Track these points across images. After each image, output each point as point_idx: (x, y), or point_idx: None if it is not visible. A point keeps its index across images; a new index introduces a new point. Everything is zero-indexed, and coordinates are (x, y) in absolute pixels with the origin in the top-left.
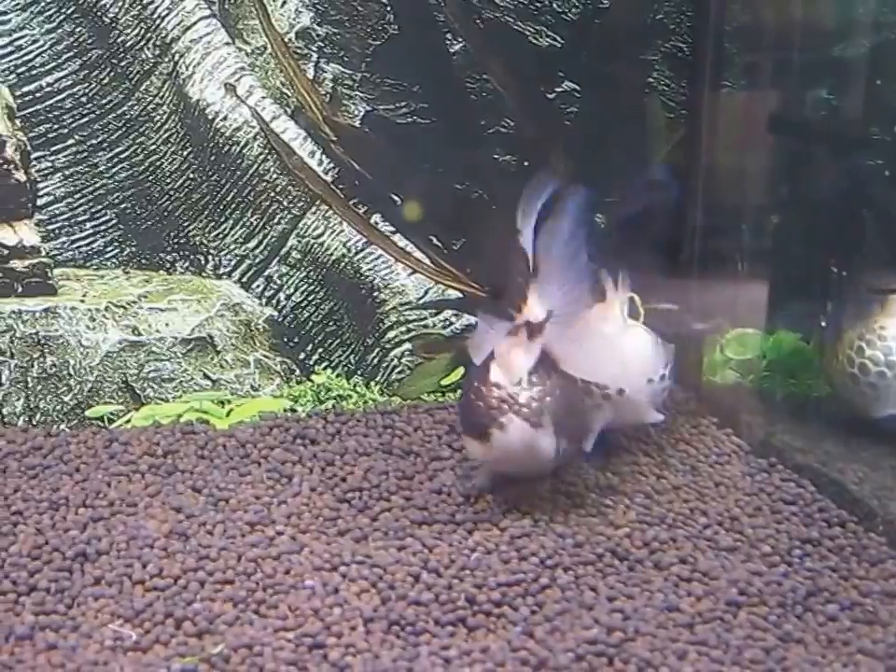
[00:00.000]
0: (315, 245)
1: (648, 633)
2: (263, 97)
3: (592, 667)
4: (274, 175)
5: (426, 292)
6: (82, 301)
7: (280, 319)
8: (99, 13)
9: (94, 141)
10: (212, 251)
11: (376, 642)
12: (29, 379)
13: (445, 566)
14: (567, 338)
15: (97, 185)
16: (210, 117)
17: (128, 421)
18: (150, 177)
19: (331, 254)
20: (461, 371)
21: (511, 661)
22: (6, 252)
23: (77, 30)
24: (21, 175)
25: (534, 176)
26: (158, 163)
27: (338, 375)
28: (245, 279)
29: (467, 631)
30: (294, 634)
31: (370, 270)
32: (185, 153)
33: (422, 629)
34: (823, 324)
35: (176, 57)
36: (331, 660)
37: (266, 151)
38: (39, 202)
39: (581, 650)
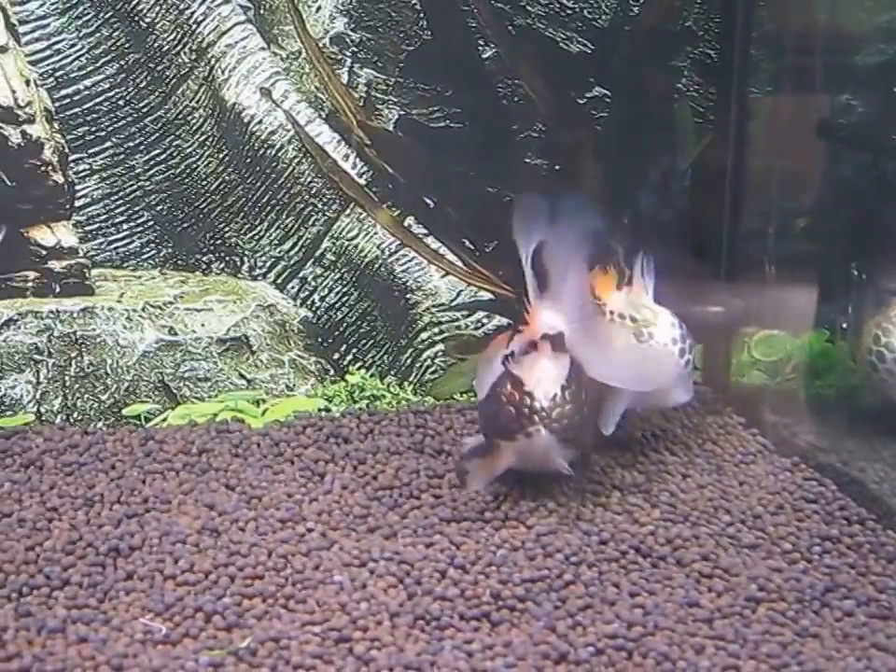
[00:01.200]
0: (350, 247)
1: (667, 627)
2: (298, 101)
3: (611, 661)
4: (309, 178)
5: (458, 294)
6: (119, 302)
7: (314, 320)
8: (136, 18)
9: (131, 144)
10: (247, 253)
11: (401, 636)
12: (67, 378)
13: (472, 562)
14: (593, 340)
15: (134, 187)
16: (246, 120)
17: (164, 420)
18: (187, 180)
19: (365, 256)
20: None
21: (533, 655)
22: (44, 253)
23: (115, 34)
24: (59, 177)
25: (520, 198)
26: (194, 166)
27: (371, 375)
28: (280, 280)
29: (490, 626)
30: (321, 628)
31: (403, 272)
32: (221, 156)
33: (447, 624)
34: (844, 325)
35: (212, 61)
36: (356, 653)
37: (301, 154)
38: (77, 203)
39: (602, 644)
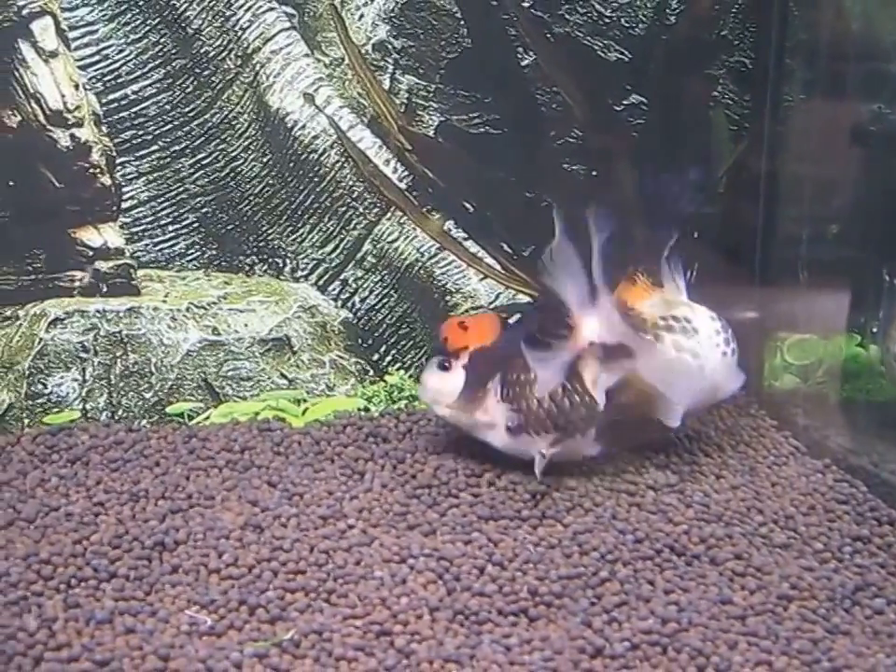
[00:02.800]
0: (390, 250)
1: (701, 624)
2: (340, 107)
3: (646, 656)
4: (351, 182)
5: (497, 296)
6: (164, 302)
7: (355, 321)
8: (183, 24)
9: (177, 147)
10: (290, 255)
11: (441, 630)
12: (112, 376)
13: (509, 559)
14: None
15: (180, 190)
16: (289, 125)
17: (207, 418)
18: (231, 183)
19: (405, 259)
20: None
21: (569, 649)
22: (91, 253)
23: (162, 40)
24: (106, 180)
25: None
26: (238, 170)
27: (410, 376)
28: (321, 282)
29: (528, 621)
30: (362, 621)
31: (442, 274)
32: (264, 160)
33: (485, 619)
34: (874, 330)
35: (257, 67)
36: (397, 646)
37: (343, 159)
38: (124, 205)
39: (637, 639)
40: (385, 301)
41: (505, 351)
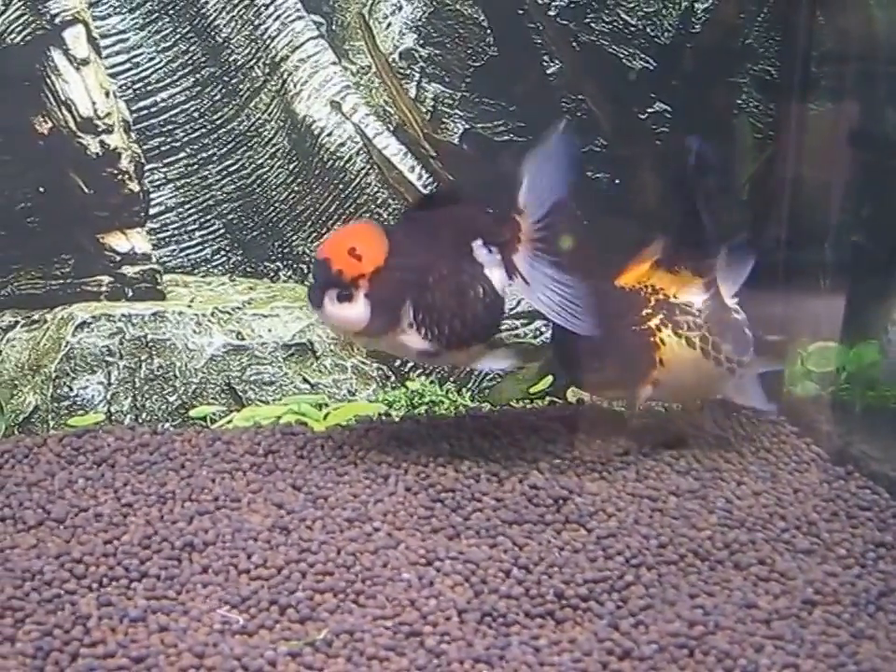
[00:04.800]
0: None
1: (727, 627)
2: (367, 114)
3: (674, 658)
4: (375, 189)
5: (518, 303)
6: (189, 307)
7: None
8: (212, 33)
9: (205, 154)
10: (314, 261)
11: (470, 631)
12: (136, 379)
13: (535, 562)
14: None
15: (206, 196)
16: (316, 132)
17: (229, 421)
18: (257, 190)
19: None
20: (550, 379)
21: (598, 651)
22: (118, 258)
23: (191, 49)
24: (134, 186)
25: None
26: (265, 176)
27: (431, 382)
28: None
29: (555, 623)
30: (392, 622)
31: None
32: (291, 167)
33: (513, 620)
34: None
35: (285, 75)
36: (428, 646)
37: (368, 166)
38: (151, 211)
39: (664, 641)
40: None
41: (406, 268)
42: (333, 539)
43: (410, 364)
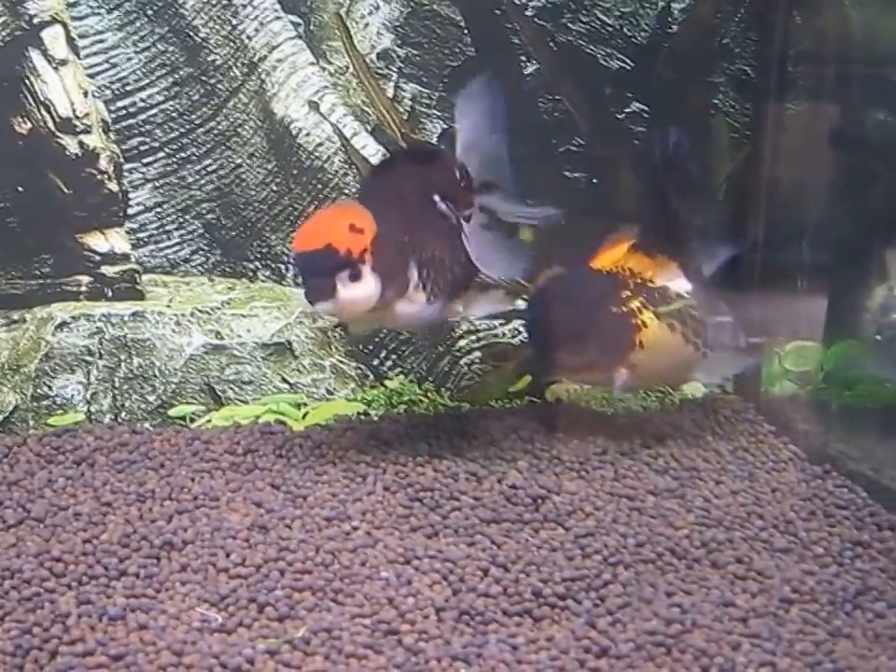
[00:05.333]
0: None
1: (704, 625)
2: (345, 114)
3: (651, 656)
4: (354, 189)
5: None
6: (168, 307)
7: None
8: (190, 33)
9: (183, 154)
10: (292, 261)
11: (447, 630)
12: (116, 379)
13: (513, 561)
14: None
15: (185, 196)
16: (294, 133)
17: (208, 421)
18: (236, 189)
19: None
20: (528, 378)
21: (575, 649)
22: (97, 258)
23: (169, 49)
24: (113, 186)
25: None
26: (243, 176)
27: (410, 381)
28: None
29: (533, 621)
30: (370, 620)
31: None
32: (269, 167)
33: (490, 619)
34: (878, 337)
35: (263, 75)
36: (406, 644)
37: (346, 166)
38: (130, 211)
39: (641, 640)
40: None
41: (396, 231)
42: (312, 537)
43: (388, 363)
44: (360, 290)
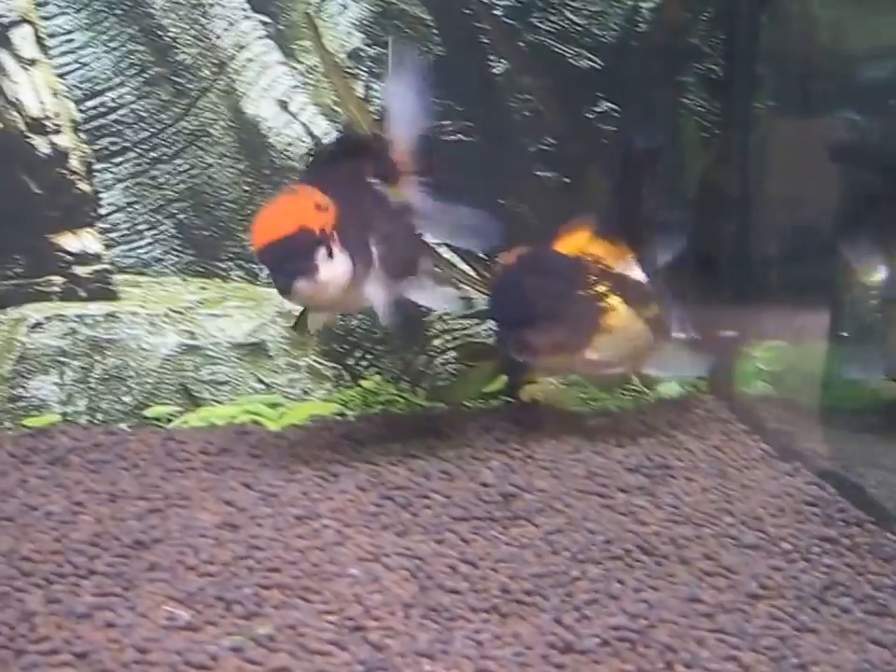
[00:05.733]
0: None
1: (670, 621)
2: (315, 114)
3: (616, 651)
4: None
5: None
6: (142, 307)
7: (330, 326)
8: (159, 33)
9: (154, 154)
10: (259, 253)
11: (414, 626)
12: (91, 380)
13: (481, 558)
14: None
15: (157, 196)
16: (264, 132)
17: (185, 422)
18: (207, 189)
19: None
20: (504, 378)
21: (541, 644)
22: (70, 259)
23: (139, 48)
24: (84, 186)
25: None
26: (214, 176)
27: (386, 381)
28: None
29: (500, 617)
30: (336, 617)
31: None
32: (240, 166)
33: (457, 615)
34: (845, 334)
35: (233, 75)
36: (371, 641)
37: None
38: (102, 211)
39: (607, 635)
40: None
41: (351, 209)
42: (282, 535)
43: (364, 363)
44: (337, 268)
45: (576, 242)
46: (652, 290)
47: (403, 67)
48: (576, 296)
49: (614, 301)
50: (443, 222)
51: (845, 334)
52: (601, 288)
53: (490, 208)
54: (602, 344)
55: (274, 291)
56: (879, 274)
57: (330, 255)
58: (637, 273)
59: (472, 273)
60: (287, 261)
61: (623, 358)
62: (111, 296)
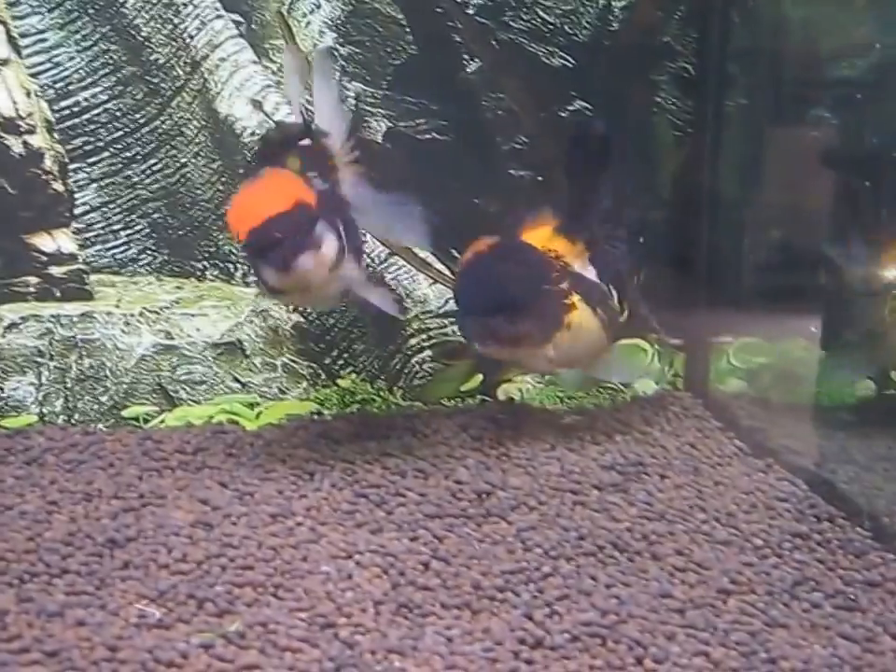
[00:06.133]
0: None
1: (640, 616)
2: (289, 113)
3: (586, 647)
4: None
5: (446, 302)
6: (117, 307)
7: (306, 325)
8: (132, 32)
9: (128, 154)
10: (241, 260)
11: (385, 622)
12: (67, 380)
13: (454, 555)
14: None
15: (131, 195)
16: (238, 131)
17: (162, 421)
18: (182, 189)
19: None
20: (479, 377)
21: (510, 640)
22: (45, 259)
23: (112, 48)
24: (59, 186)
25: None
26: (189, 175)
27: (362, 380)
28: None
29: (471, 613)
30: (307, 614)
31: (392, 279)
32: (214, 166)
33: (428, 611)
34: (813, 329)
35: (206, 74)
36: (341, 638)
37: None
38: (76, 211)
39: (577, 631)
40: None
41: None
42: (256, 533)
43: (340, 362)
44: (333, 243)
45: (538, 237)
46: (606, 292)
47: (326, 70)
48: (542, 289)
49: (576, 298)
50: (378, 217)
51: (813, 329)
52: (564, 285)
53: (442, 205)
54: (560, 343)
55: (250, 291)
56: (859, 271)
57: (324, 231)
58: (591, 273)
59: (447, 272)
60: (288, 237)
61: (579, 358)
62: (86, 296)
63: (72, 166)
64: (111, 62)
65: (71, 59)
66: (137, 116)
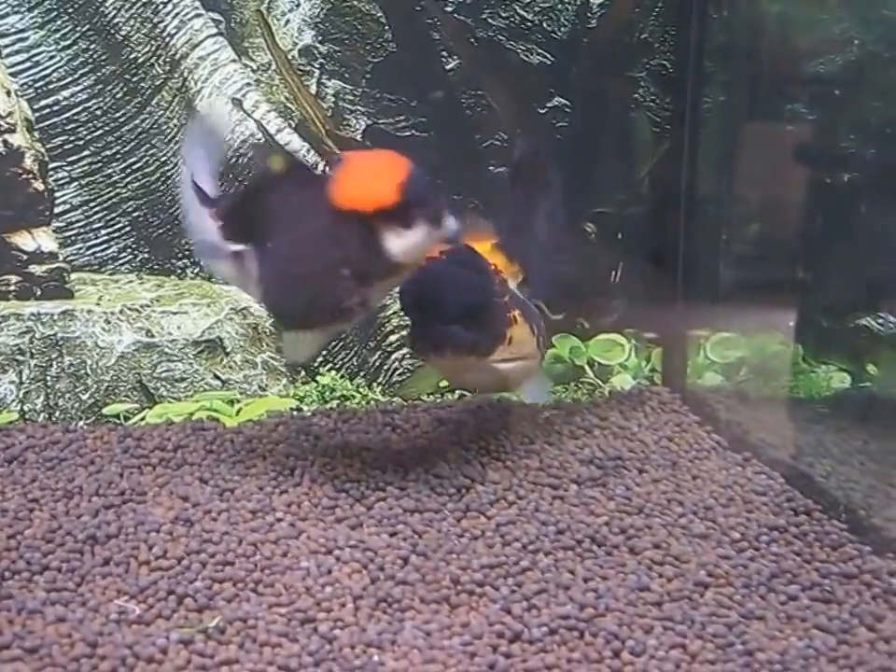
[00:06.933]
0: None
1: (618, 609)
2: (268, 111)
3: (563, 640)
4: None
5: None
6: (98, 305)
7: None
8: (112, 31)
9: (108, 152)
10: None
11: (364, 617)
12: (48, 378)
13: (433, 550)
14: None
15: (111, 194)
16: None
17: (142, 419)
18: (162, 187)
19: None
20: None
21: (489, 634)
22: (25, 257)
23: (92, 47)
24: (39, 185)
25: None
26: (169, 174)
27: (342, 377)
28: None
29: (449, 608)
30: (287, 609)
31: None
32: None
33: (407, 606)
34: (791, 323)
35: (186, 73)
36: (320, 632)
37: None
38: (56, 210)
39: (555, 624)
40: None
41: None
42: (235, 529)
43: (320, 358)
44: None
45: (484, 251)
46: (538, 314)
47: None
48: (493, 300)
49: (517, 313)
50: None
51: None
52: (507, 298)
53: None
54: (499, 356)
55: (228, 288)
56: None
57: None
58: (521, 292)
59: None
60: (433, 196)
61: (510, 374)
62: (67, 294)
63: (52, 165)
64: (91, 60)
65: (51, 58)
66: (117, 114)
